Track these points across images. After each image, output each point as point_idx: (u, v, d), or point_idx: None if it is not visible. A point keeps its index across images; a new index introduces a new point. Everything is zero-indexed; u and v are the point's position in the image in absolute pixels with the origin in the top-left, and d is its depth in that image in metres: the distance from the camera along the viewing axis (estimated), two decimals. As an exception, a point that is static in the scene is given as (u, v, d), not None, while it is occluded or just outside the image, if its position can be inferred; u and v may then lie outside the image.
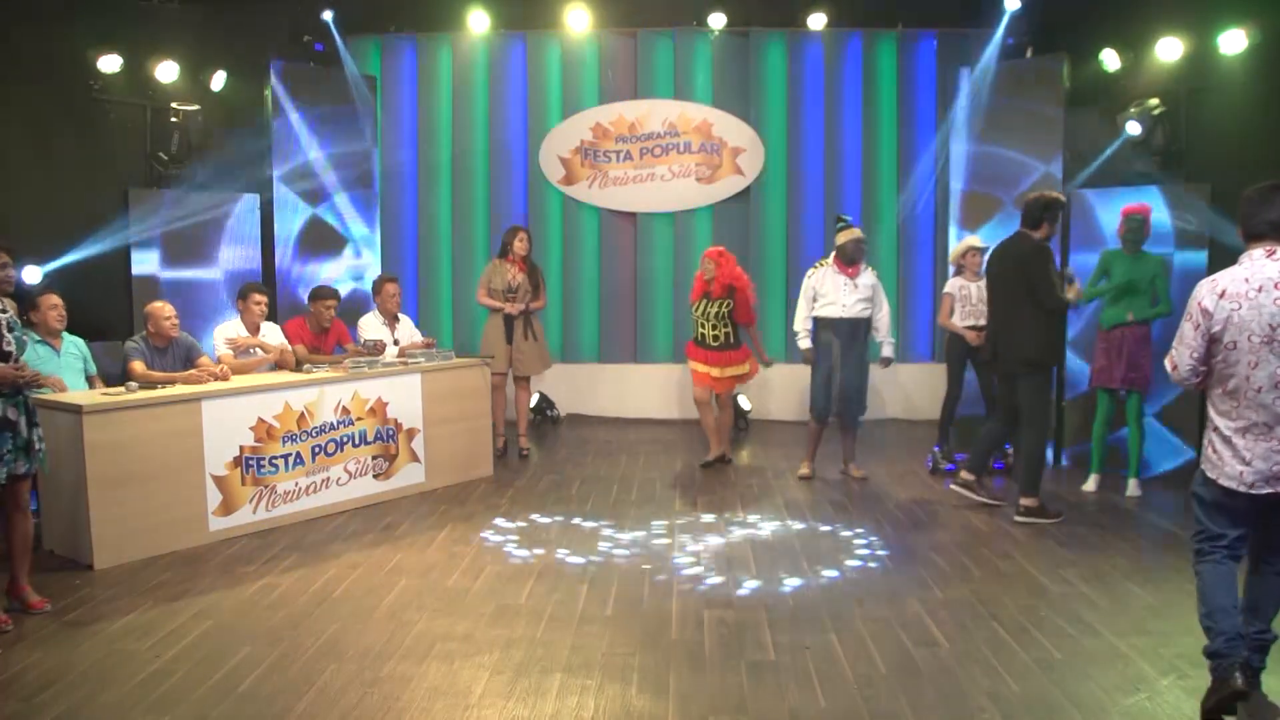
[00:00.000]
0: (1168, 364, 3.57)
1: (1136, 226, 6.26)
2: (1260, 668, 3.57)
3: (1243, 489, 3.38)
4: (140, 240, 7.39)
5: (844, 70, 9.19)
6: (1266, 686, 3.61)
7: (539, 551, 5.34)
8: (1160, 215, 6.60)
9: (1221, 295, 3.37)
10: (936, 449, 7.18)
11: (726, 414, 7.49)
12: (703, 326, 7.13)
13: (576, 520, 5.93)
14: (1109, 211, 6.94)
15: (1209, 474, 3.48)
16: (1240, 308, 3.33)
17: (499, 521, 5.90)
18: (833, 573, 4.97)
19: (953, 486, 6.20)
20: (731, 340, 7.11)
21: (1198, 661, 3.86)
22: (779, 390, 9.06)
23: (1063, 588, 4.72)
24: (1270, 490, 3.34)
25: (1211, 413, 3.50)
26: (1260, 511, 3.44)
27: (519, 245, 7.48)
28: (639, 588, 4.77)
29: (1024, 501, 5.85)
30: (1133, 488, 6.37)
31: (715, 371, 7.14)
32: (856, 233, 6.80)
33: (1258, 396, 3.34)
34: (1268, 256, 3.37)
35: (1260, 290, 3.32)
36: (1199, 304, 3.42)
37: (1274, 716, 3.41)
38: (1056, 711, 3.50)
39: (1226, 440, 3.42)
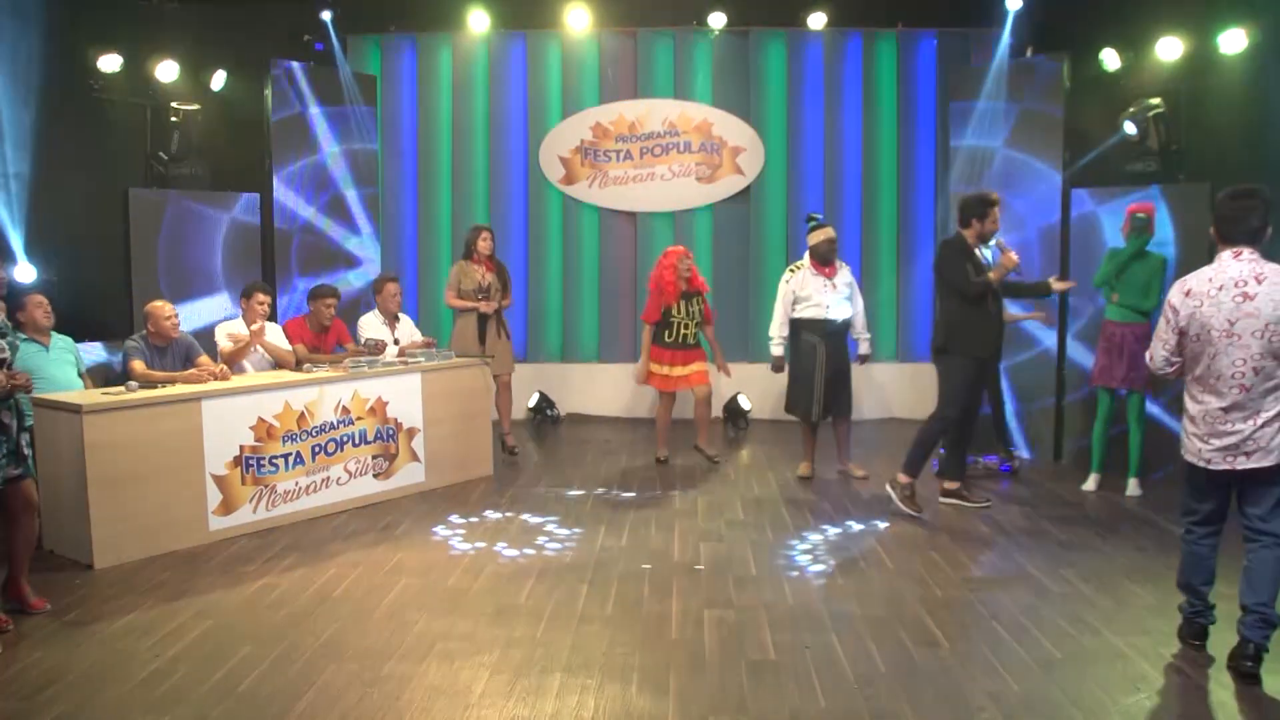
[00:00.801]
0: (1147, 356, 4.00)
1: (1141, 225, 6.26)
2: (1264, 648, 3.70)
3: (1201, 464, 3.80)
4: (140, 240, 7.39)
5: (844, 70, 9.19)
6: (1266, 686, 3.63)
7: (538, 551, 5.35)
8: (1160, 215, 6.60)
9: (1187, 294, 3.77)
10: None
11: (707, 409, 7.35)
12: (686, 327, 7.13)
13: (576, 519, 5.93)
14: (1109, 211, 6.95)
15: (1182, 452, 3.91)
16: (1203, 305, 3.71)
17: (496, 518, 5.91)
18: (833, 572, 4.97)
19: (941, 500, 6.23)
20: (699, 337, 7.24)
21: (1198, 661, 3.89)
22: (779, 390, 9.05)
23: (1063, 588, 4.73)
24: (1226, 467, 3.73)
25: (1185, 398, 3.88)
26: (1222, 487, 3.83)
27: (483, 244, 7.42)
28: (639, 587, 4.77)
29: (900, 477, 5.98)
30: (1133, 487, 6.37)
31: (695, 368, 7.17)
32: (829, 231, 6.77)
33: (1217, 384, 3.72)
34: (1234, 258, 3.73)
35: (1221, 289, 3.69)
36: (1169, 302, 3.83)
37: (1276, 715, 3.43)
38: (1056, 711, 3.50)
39: (1193, 420, 3.83)
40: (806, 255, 6.81)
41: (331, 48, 8.53)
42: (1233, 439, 3.69)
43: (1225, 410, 3.70)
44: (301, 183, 8.24)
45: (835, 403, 6.81)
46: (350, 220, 8.71)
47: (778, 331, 6.85)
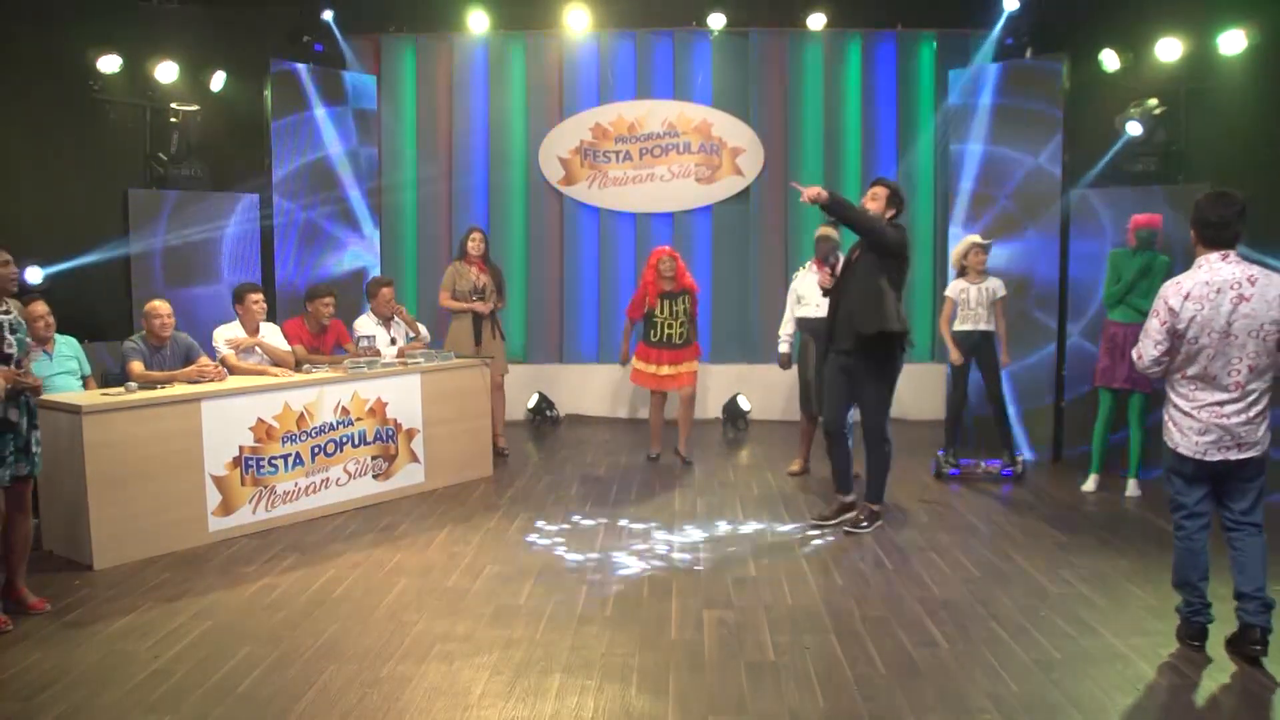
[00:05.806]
0: (1134, 354, 4.04)
1: (1146, 237, 6.27)
2: (1269, 629, 3.81)
3: (1196, 456, 3.88)
4: (139, 240, 7.38)
5: (844, 70, 9.19)
6: (1268, 666, 3.66)
7: (538, 551, 5.35)
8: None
9: (1186, 297, 3.83)
10: (940, 453, 6.99)
11: (690, 410, 7.43)
12: (670, 326, 7.16)
13: (575, 520, 5.94)
14: (1109, 211, 6.95)
15: (1170, 446, 3.97)
16: (1203, 309, 3.79)
17: (496, 521, 5.91)
18: (833, 572, 4.97)
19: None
20: (689, 336, 7.23)
21: (1197, 662, 3.90)
22: (779, 390, 9.05)
23: (1062, 588, 4.73)
24: (1220, 458, 3.85)
25: (1171, 394, 3.99)
26: (1208, 478, 3.94)
27: (471, 246, 7.47)
28: (638, 587, 4.77)
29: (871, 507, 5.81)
30: (1132, 488, 6.37)
31: (672, 369, 7.18)
32: (824, 230, 6.73)
33: (1213, 382, 3.83)
34: (1223, 260, 3.83)
35: (1219, 292, 3.78)
36: (1166, 304, 3.87)
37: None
38: (1056, 711, 3.50)
39: (1187, 415, 3.91)
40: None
41: (332, 49, 8.52)
42: (1227, 432, 3.83)
43: (1221, 405, 3.83)
44: (301, 184, 8.23)
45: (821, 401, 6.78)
46: (350, 221, 8.70)
47: (782, 330, 6.93)
